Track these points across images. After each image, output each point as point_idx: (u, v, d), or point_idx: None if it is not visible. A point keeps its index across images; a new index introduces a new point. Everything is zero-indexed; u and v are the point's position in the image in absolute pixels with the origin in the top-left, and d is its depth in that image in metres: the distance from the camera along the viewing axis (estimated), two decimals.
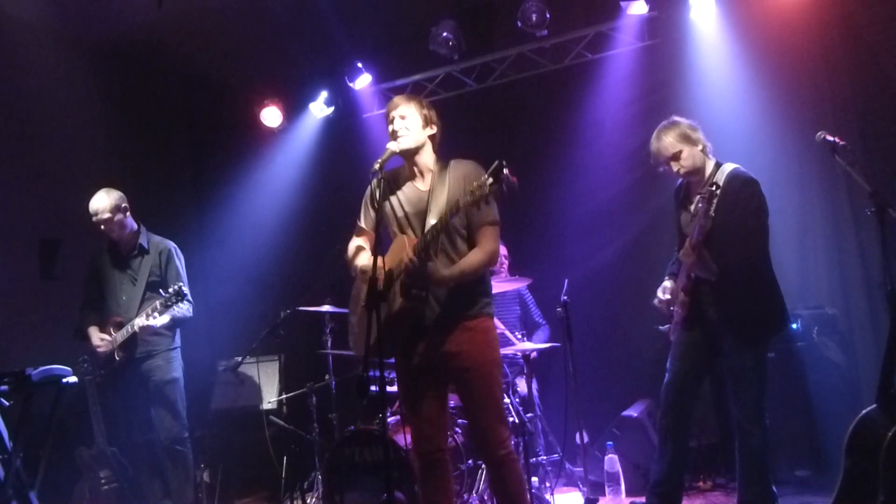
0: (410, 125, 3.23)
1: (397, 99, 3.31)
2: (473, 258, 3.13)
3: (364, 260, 3.32)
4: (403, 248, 3.09)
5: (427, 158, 3.29)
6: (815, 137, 3.57)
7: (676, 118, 3.75)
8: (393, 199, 3.29)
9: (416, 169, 3.29)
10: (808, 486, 4.37)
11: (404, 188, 3.30)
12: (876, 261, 4.56)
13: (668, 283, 3.87)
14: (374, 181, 3.14)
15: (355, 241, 3.43)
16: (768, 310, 3.61)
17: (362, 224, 3.40)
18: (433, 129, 3.30)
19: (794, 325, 4.63)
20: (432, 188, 3.21)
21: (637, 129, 5.03)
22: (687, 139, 3.66)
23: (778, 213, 4.62)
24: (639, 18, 5.47)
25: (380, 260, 3.16)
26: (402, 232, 3.23)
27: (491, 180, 2.76)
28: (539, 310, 5.41)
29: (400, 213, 3.27)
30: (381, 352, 2.75)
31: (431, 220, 3.10)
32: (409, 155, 3.26)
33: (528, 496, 3.42)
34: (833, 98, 4.93)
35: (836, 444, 3.19)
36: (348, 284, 3.50)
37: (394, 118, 3.25)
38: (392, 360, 3.26)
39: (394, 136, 3.22)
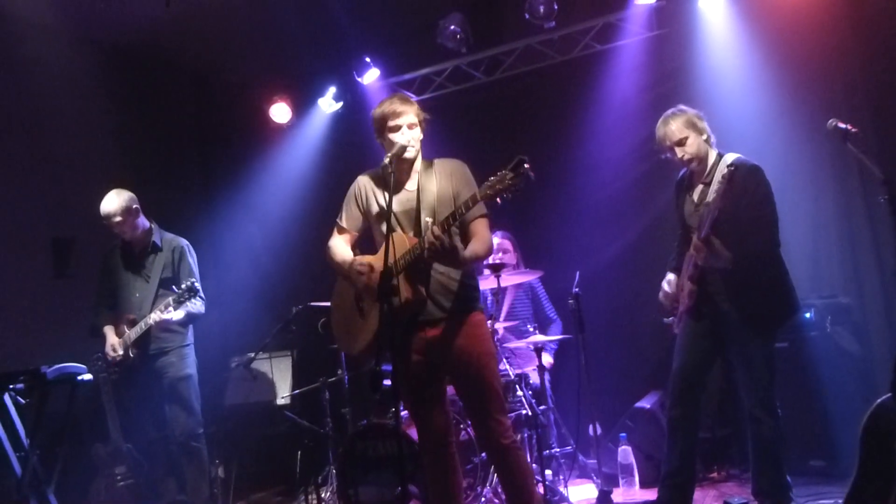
0: (417, 135, 3.25)
1: (402, 104, 3.25)
2: (477, 247, 3.16)
3: (349, 257, 3.33)
4: (403, 243, 3.10)
5: (417, 159, 3.31)
6: (827, 125, 3.53)
7: (683, 107, 3.76)
8: (380, 199, 3.30)
9: (403, 170, 3.28)
10: (823, 476, 4.34)
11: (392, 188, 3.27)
12: (889, 249, 4.53)
13: (671, 277, 3.87)
14: (357, 182, 3.35)
15: (336, 240, 3.42)
16: (778, 298, 3.60)
17: (343, 223, 3.41)
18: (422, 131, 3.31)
19: (808, 315, 4.60)
20: (420, 188, 3.24)
21: (646, 120, 4.98)
22: (694, 126, 3.67)
23: (790, 201, 4.61)
24: (647, 8, 5.44)
25: (374, 258, 3.21)
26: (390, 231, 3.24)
27: (512, 174, 2.80)
28: (551, 304, 5.38)
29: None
30: (392, 346, 2.76)
31: (426, 217, 3.13)
32: (408, 160, 3.26)
33: (535, 484, 3.42)
34: (844, 86, 4.88)
35: (851, 434, 3.16)
36: None
37: (401, 126, 3.22)
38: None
39: (402, 143, 3.18)
